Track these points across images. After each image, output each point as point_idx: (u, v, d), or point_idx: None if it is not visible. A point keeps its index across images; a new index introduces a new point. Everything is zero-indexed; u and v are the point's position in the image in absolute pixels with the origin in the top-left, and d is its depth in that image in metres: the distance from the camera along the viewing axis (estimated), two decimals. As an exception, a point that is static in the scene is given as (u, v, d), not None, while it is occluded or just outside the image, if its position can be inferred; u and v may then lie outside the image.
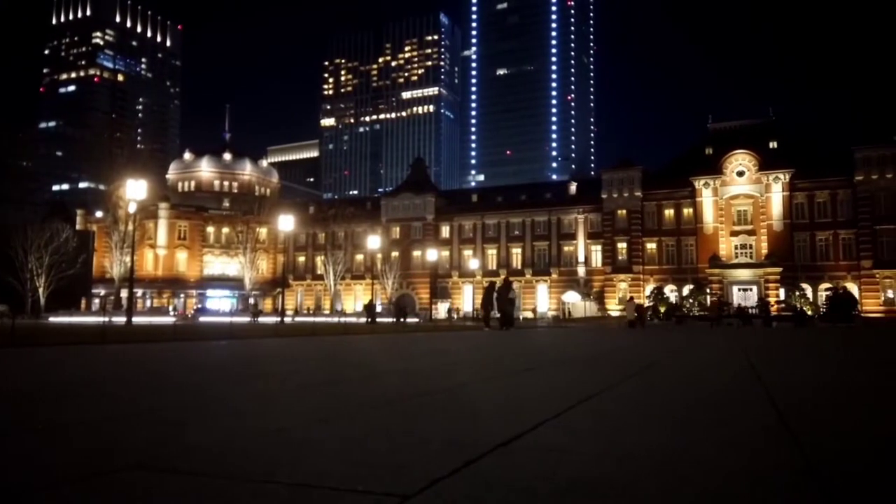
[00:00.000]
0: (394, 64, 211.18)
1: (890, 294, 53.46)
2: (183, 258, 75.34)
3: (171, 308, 64.52)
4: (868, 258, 54.27)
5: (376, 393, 3.59)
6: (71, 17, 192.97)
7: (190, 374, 4.96)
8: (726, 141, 61.25)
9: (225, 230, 77.25)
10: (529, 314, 64.33)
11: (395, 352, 8.50)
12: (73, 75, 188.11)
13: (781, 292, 54.19)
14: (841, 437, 2.29)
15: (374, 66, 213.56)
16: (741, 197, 59.37)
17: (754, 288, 56.64)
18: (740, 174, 59.34)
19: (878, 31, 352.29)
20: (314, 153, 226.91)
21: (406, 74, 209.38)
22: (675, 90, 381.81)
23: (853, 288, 53.96)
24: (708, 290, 56.06)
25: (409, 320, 41.25)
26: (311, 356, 7.38)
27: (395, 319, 39.64)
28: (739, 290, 57.30)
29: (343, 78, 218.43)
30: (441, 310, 69.36)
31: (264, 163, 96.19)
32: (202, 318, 48.22)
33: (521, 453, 1.93)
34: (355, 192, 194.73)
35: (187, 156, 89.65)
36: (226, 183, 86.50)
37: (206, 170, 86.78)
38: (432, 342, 11.46)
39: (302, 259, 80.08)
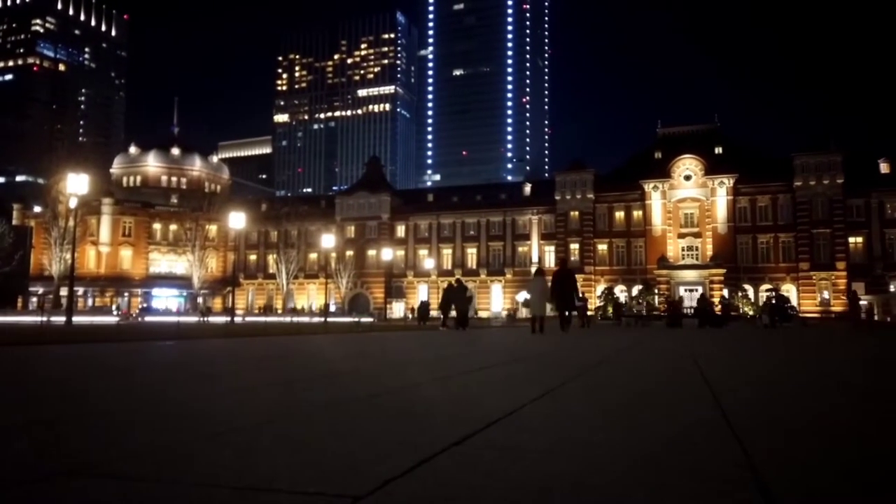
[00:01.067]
0: (349, 61, 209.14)
1: (825, 295, 56.12)
2: (127, 256, 72.72)
3: (114, 307, 62.16)
4: (806, 261, 56.82)
5: (329, 394, 3.54)
6: (9, 2, 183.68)
7: (133, 376, 4.79)
8: (674, 146, 63.14)
9: (173, 227, 74.93)
10: (485, 314, 64.82)
11: (349, 352, 8.42)
12: (11, 63, 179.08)
13: (725, 292, 56.24)
14: (773, 428, 2.39)
15: (330, 63, 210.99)
16: (688, 200, 61.28)
17: (699, 288, 58.54)
18: (687, 178, 61.24)
19: (818, 43, 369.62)
20: (267, 149, 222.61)
21: (362, 72, 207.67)
22: (626, 95, 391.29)
23: (792, 289, 56.43)
24: (656, 291, 57.66)
25: (363, 320, 40.97)
26: (261, 357, 7.24)
27: (356, 320, 39.37)
28: (686, 290, 59.14)
29: (297, 74, 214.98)
30: (396, 309, 69.14)
31: (215, 158, 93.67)
32: (147, 318, 46.66)
33: (474, 452, 1.93)
34: (309, 189, 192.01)
35: (133, 150, 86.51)
36: (174, 178, 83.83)
37: (152, 164, 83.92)
38: (386, 342, 11.40)
39: (253, 257, 78.45)
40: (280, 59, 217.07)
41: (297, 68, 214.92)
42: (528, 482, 1.59)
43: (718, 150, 62.52)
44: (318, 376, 4.73)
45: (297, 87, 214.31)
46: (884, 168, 56.78)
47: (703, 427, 2.46)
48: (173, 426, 2.39)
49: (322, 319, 39.21)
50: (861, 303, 53.33)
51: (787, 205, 58.45)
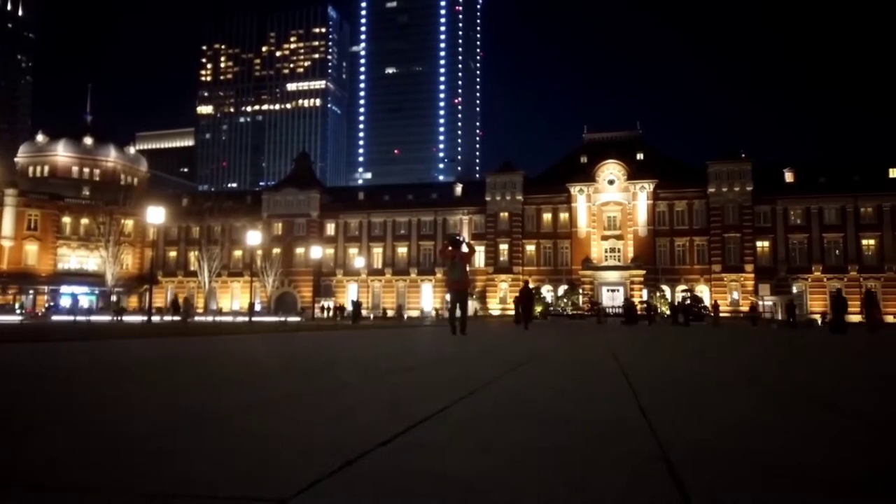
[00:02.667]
0: (278, 54, 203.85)
1: (735, 295, 59.67)
2: (33, 251, 67.92)
3: (17, 306, 57.88)
4: (718, 262, 60.25)
5: (252, 395, 3.43)
6: None
7: (38, 378, 4.46)
8: (599, 151, 65.44)
9: (84, 221, 70.62)
10: (415, 313, 64.85)
11: (275, 351, 8.20)
12: None
13: (644, 293, 58.78)
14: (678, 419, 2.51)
15: (257, 55, 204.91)
16: (611, 204, 63.66)
17: (621, 289, 60.96)
18: (611, 182, 63.60)
19: (735, 57, 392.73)
20: (189, 142, 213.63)
21: (291, 66, 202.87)
22: (555, 99, 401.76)
23: (705, 290, 59.68)
24: (580, 291, 59.55)
25: (290, 319, 40.04)
26: (181, 357, 6.93)
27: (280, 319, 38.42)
28: (608, 290, 61.39)
29: (223, 64, 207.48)
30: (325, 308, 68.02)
31: (132, 149, 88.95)
32: (55, 317, 43.73)
33: (402, 451, 1.92)
34: (234, 184, 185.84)
35: (40, 138, 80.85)
36: (86, 169, 78.98)
37: (62, 154, 78.74)
38: (314, 342, 11.19)
39: (173, 254, 75.13)
40: (204, 48, 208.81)
41: (222, 59, 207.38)
42: (456, 480, 1.59)
43: (640, 156, 65.33)
44: (242, 377, 4.57)
45: (222, 78, 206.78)
46: (789, 177, 61.03)
47: (623, 423, 2.55)
48: (84, 431, 2.25)
49: (246, 319, 37.99)
50: (767, 303, 57.11)
51: (701, 210, 61.75)
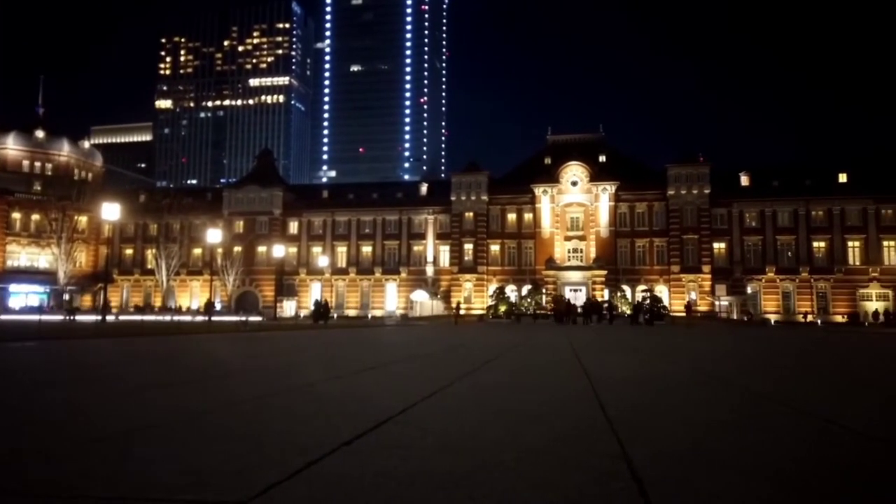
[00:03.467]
0: (241, 49, 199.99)
1: (693, 296, 61.15)
2: (-20, 247, 65.12)
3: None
4: (677, 263, 61.62)
5: (215, 396, 3.37)
6: None
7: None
8: (563, 152, 66.23)
9: (35, 217, 68.00)
10: (379, 312, 64.52)
11: (237, 351, 8.06)
12: None
13: (606, 293, 59.71)
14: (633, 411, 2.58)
15: (219, 49, 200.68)
16: (574, 205, 64.50)
17: (583, 289, 61.80)
18: (574, 184, 64.43)
19: (697, 62, 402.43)
20: (147, 136, 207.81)
21: (254, 61, 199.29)
22: (520, 101, 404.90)
23: (664, 290, 61.01)
24: (544, 291, 60.18)
25: (251, 319, 39.35)
26: (139, 357, 6.75)
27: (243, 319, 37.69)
28: (571, 290, 62.19)
29: (183, 58, 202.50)
30: (287, 308, 67.13)
31: (87, 143, 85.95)
32: (3, 317, 42.01)
33: (364, 452, 1.92)
34: (194, 181, 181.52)
35: (-12, 130, 77.51)
36: (37, 164, 76.03)
37: (12, 147, 75.62)
38: (277, 342, 11.03)
39: (130, 252, 72.95)
40: (164, 41, 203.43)
41: (182, 52, 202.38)
42: (419, 479, 1.60)
43: (602, 158, 66.38)
44: (204, 377, 4.48)
45: (182, 72, 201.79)
46: (744, 181, 62.79)
47: (584, 421, 2.59)
48: (37, 433, 2.17)
49: (206, 318, 37.18)
50: (723, 303, 58.69)
51: (661, 212, 63.08)
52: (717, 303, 58.29)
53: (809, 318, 55.86)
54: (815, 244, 60.49)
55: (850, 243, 59.63)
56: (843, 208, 59.76)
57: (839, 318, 56.03)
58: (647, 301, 51.36)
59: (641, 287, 60.12)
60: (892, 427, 2.54)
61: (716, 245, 62.55)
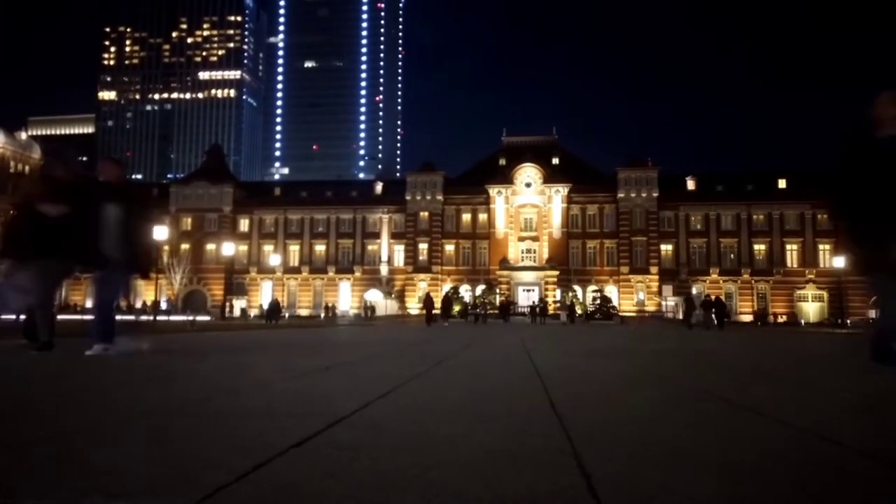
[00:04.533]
0: (189, 41, 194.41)
1: (641, 296, 62.87)
2: None
3: None
4: (626, 264, 63.24)
5: (157, 398, 3.25)
6: None
7: None
8: (517, 154, 67.06)
9: (-34, 211, 64.46)
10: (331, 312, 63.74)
11: (185, 352, 7.82)
12: None
13: (558, 293, 60.79)
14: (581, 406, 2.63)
15: (167, 41, 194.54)
16: (528, 206, 65.38)
17: (536, 289, 62.73)
18: (528, 185, 65.32)
19: (647, 69, 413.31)
20: (90, 129, 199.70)
21: (204, 54, 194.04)
22: (476, 101, 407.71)
23: (614, 290, 62.47)
24: (497, 291, 60.74)
25: (198, 318, 38.30)
26: (75, 359, 6.46)
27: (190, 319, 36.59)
28: (524, 290, 63.00)
29: (128, 48, 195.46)
30: (237, 307, 65.67)
31: (23, 135, 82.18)
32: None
33: (315, 453, 1.88)
34: (139, 176, 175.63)
35: (-87, 118, 73.00)
36: (-31, 155, 72.16)
37: (-60, 137, 71.52)
38: (227, 341, 10.77)
39: (70, 249, 70.08)
40: (108, 30, 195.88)
41: (128, 42, 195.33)
42: (370, 481, 1.57)
43: (556, 160, 67.53)
44: (149, 378, 4.32)
45: (127, 62, 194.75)
46: (690, 185, 64.98)
47: (537, 418, 2.62)
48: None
49: (150, 318, 35.96)
50: (669, 303, 60.45)
51: (611, 214, 64.62)
52: (663, 303, 60.03)
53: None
54: (756, 247, 63.07)
55: (788, 246, 62.44)
56: (783, 213, 62.53)
57: (781, 318, 58.46)
58: (598, 301, 52.44)
59: (592, 287, 61.34)
60: (814, 418, 2.66)
61: (663, 247, 64.45)
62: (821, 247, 60.59)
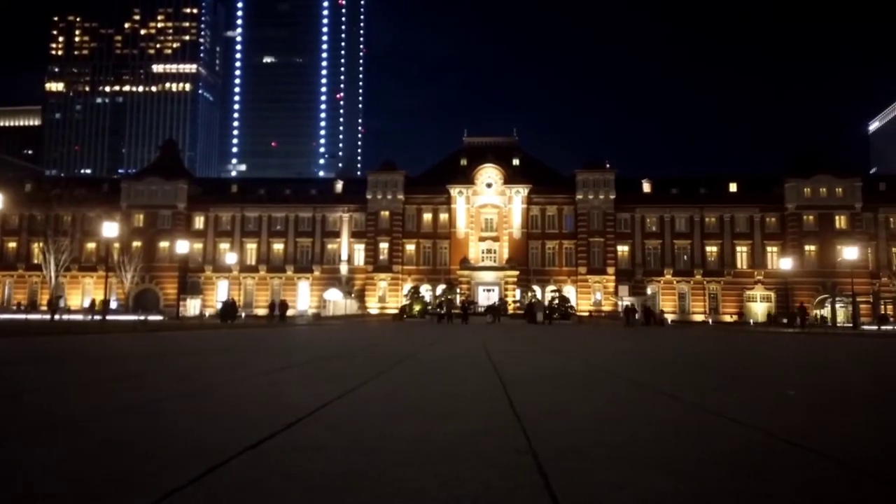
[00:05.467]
0: (143, 32, 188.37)
1: (598, 296, 64.00)
2: None
3: None
4: (584, 265, 64.25)
5: (109, 400, 3.15)
6: None
7: None
8: (478, 154, 67.38)
9: None
10: (291, 311, 62.85)
11: (135, 352, 7.59)
12: None
13: (517, 293, 61.30)
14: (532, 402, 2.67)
15: (119, 31, 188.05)
16: (489, 206, 65.76)
17: (496, 288, 63.13)
18: (489, 186, 65.69)
19: (605, 73, 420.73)
20: (35, 121, 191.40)
21: (158, 46, 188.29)
22: (438, 101, 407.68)
23: (572, 290, 63.41)
24: (458, 290, 60.89)
25: (150, 318, 37.20)
26: (20, 359, 6.20)
27: (140, 318, 35.46)
28: (485, 290, 63.35)
29: (78, 38, 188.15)
30: (191, 307, 64.01)
31: (-37, 126, 78.13)
32: None
33: (271, 454, 1.86)
34: (88, 170, 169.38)
35: None
36: None
37: None
38: (180, 342, 10.49)
39: (13, 245, 67.04)
40: (56, 19, 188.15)
41: (77, 32, 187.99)
42: (327, 480, 1.57)
43: (516, 161, 68.13)
44: (104, 379, 4.18)
45: (77, 53, 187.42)
46: (646, 188, 66.43)
47: (493, 417, 2.64)
48: None
49: (100, 317, 34.74)
50: (625, 303, 61.72)
51: (570, 215, 65.55)
52: (619, 303, 61.21)
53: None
54: (708, 249, 64.95)
55: (738, 248, 64.53)
56: (733, 216, 64.56)
57: (727, 318, 60.34)
58: (556, 301, 53.15)
59: (551, 287, 62.12)
60: (763, 415, 2.77)
61: (620, 248, 65.74)
62: (769, 249, 62.77)
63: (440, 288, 61.90)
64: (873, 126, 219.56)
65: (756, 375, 5.09)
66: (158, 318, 42.30)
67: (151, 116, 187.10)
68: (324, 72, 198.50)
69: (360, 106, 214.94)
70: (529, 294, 57.55)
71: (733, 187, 65.95)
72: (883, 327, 34.29)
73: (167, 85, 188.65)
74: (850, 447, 2.10)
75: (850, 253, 44.81)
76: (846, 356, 8.46)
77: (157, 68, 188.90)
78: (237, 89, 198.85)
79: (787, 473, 1.73)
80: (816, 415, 2.95)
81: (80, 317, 44.96)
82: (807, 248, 61.04)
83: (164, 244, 64.85)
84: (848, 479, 1.66)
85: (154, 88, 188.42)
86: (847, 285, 45.46)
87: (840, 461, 1.84)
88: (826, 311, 53.75)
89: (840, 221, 60.78)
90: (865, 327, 36.16)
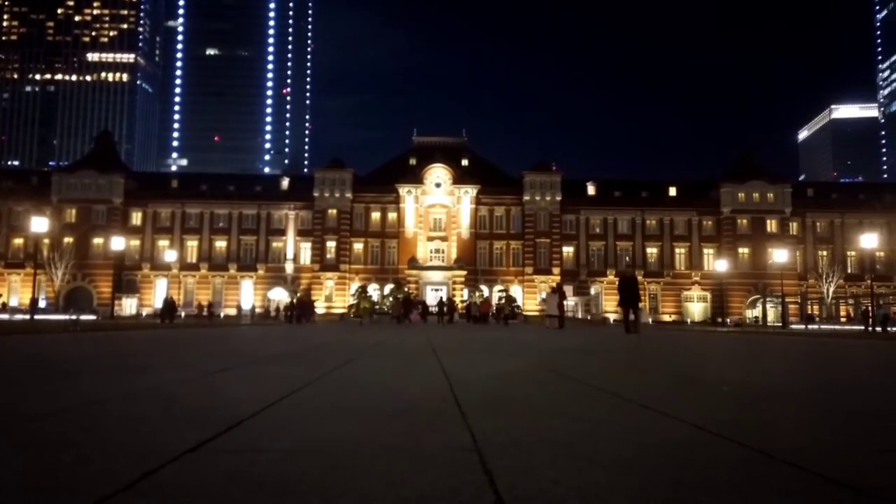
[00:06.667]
0: (77, 19, 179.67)
1: (544, 296, 65.16)
2: None
3: None
4: (530, 265, 65.29)
5: (36, 402, 2.99)
6: None
7: None
8: (428, 154, 67.47)
9: None
10: (232, 311, 61.22)
11: (67, 353, 7.23)
12: None
13: (465, 292, 61.74)
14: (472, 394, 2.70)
15: (51, 17, 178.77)
16: (437, 206, 65.94)
17: (444, 288, 63.37)
18: (438, 186, 65.88)
19: (553, 76, 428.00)
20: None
21: (93, 34, 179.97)
22: (387, 99, 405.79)
23: (518, 290, 64.29)
24: (406, 290, 60.78)
25: (83, 317, 35.52)
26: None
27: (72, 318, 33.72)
28: (433, 290, 63.47)
29: (6, 23, 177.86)
30: (127, 306, 61.58)
31: None
32: None
33: (211, 458, 1.81)
34: (16, 162, 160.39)
35: None
36: None
37: None
38: (115, 342, 10.06)
39: (-70, 240, 62.83)
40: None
41: (6, 17, 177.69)
42: (268, 485, 1.54)
43: (465, 162, 68.54)
44: (20, 381, 3.96)
45: (4, 39, 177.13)
46: (591, 190, 68.09)
47: (439, 416, 2.65)
48: None
49: (27, 317, 32.94)
50: (570, 303, 62.97)
51: (517, 216, 66.50)
52: (565, 303, 62.19)
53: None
54: (649, 250, 67.07)
55: (677, 250, 66.89)
56: (672, 219, 66.86)
57: (666, 318, 62.43)
58: (503, 300, 53.73)
59: (498, 287, 62.75)
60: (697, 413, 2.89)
61: (565, 249, 67.05)
62: (705, 251, 65.44)
63: (388, 287, 61.63)
64: (802, 135, 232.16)
65: (690, 373, 5.29)
66: (91, 317, 40.47)
67: (86, 107, 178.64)
68: (270, 66, 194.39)
69: (308, 102, 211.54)
70: (477, 294, 58.02)
71: (673, 191, 68.28)
72: (809, 326, 36.26)
73: (103, 74, 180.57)
74: (776, 439, 2.21)
75: (780, 256, 47.20)
76: (774, 353, 8.91)
77: (93, 57, 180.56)
78: (178, 81, 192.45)
79: (717, 464, 1.80)
80: (747, 409, 3.09)
81: (6, 315, 42.49)
82: (741, 250, 63.90)
83: (98, 240, 62.13)
84: (772, 469, 1.75)
85: (89, 78, 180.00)
86: (777, 286, 47.86)
87: (765, 452, 1.94)
88: (758, 311, 56.38)
89: (771, 225, 63.92)
90: (794, 326, 38.15)
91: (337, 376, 4.53)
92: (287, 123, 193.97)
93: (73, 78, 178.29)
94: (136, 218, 64.65)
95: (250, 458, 1.81)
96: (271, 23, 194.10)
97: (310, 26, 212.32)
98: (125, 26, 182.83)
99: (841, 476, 1.64)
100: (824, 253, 63.87)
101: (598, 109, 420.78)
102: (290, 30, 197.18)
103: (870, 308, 34.17)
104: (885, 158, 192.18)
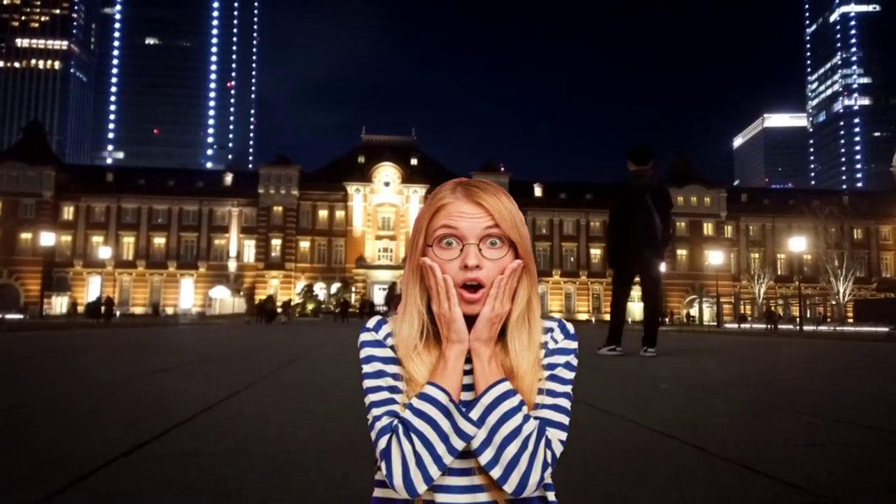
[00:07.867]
0: (6, 2, 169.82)
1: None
2: None
3: None
4: (477, 265, 65.98)
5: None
6: None
7: None
8: (377, 152, 67.04)
9: None
10: (171, 310, 59.18)
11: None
12: None
13: (413, 292, 61.68)
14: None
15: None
16: (386, 205, 65.63)
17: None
18: (387, 184, 65.57)
19: (500, 81, 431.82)
20: None
21: (23, 18, 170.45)
22: (335, 96, 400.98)
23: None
24: (353, 289, 60.26)
25: (8, 317, 33.62)
26: None
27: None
28: (381, 289, 63.14)
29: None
30: (57, 304, 58.67)
31: None
32: None
33: (147, 461, 1.75)
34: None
35: None
36: None
37: None
38: (47, 342, 9.57)
39: None
40: None
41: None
42: (208, 488, 1.50)
43: (415, 161, 68.46)
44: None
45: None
46: (538, 191, 69.19)
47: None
48: None
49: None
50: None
51: (471, 216, 67.04)
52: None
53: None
54: (593, 251, 68.67)
55: (619, 251, 68.67)
56: (615, 220, 68.61)
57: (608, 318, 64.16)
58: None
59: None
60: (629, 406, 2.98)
61: (516, 248, 67.83)
62: (646, 252, 67.81)
63: (335, 286, 60.95)
64: (737, 142, 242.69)
65: (630, 370, 5.45)
66: (18, 316, 38.38)
67: (14, 95, 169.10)
68: (213, 58, 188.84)
69: (253, 97, 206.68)
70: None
71: (616, 194, 70.01)
72: (742, 325, 37.99)
73: (34, 61, 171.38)
74: (712, 435, 2.31)
75: (715, 258, 49.20)
76: (710, 351, 9.28)
77: (23, 43, 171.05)
78: (115, 71, 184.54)
79: (659, 460, 1.87)
80: (685, 406, 3.21)
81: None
82: (679, 252, 66.22)
83: (26, 235, 59.00)
84: (707, 464, 1.82)
85: (17, 65, 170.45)
86: (713, 287, 49.89)
87: (702, 448, 2.02)
88: (695, 311, 58.58)
89: (707, 228, 66.54)
90: (727, 325, 39.86)
91: (279, 377, 4.46)
92: (231, 118, 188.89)
93: (1, 64, 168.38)
94: (68, 212, 61.64)
95: (189, 461, 1.76)
96: (215, 13, 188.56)
97: (256, 18, 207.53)
98: (58, 11, 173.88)
99: (770, 469, 1.73)
100: (756, 255, 66.94)
101: (544, 114, 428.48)
102: (236, 21, 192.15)
103: (775, 309, 37.33)
104: (812, 166, 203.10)
